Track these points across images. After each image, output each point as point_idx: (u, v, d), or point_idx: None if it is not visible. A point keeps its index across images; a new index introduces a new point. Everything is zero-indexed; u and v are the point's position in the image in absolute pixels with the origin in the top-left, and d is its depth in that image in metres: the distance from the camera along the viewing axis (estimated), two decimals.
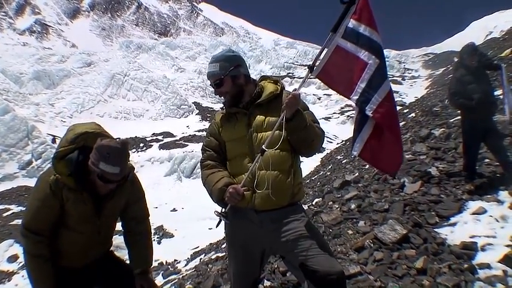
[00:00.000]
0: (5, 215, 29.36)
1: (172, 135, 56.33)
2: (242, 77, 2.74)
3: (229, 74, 2.68)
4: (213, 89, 2.77)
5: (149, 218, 3.11)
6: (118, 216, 2.98)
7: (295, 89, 2.55)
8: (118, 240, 3.57)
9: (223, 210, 2.61)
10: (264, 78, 2.88)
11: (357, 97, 2.69)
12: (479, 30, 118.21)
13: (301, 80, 2.88)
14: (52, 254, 2.64)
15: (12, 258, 21.87)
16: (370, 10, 2.69)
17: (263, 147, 2.52)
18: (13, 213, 29.68)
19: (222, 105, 2.90)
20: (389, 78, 2.75)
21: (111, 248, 3.15)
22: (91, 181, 2.58)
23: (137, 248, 3.00)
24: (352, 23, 2.69)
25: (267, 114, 2.64)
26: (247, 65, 2.85)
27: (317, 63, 2.73)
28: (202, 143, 2.94)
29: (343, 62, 2.71)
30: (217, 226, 2.70)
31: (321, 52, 2.73)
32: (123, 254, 3.27)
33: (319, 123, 2.75)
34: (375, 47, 2.68)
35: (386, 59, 2.79)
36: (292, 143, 2.61)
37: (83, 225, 2.69)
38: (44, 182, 2.56)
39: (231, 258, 2.90)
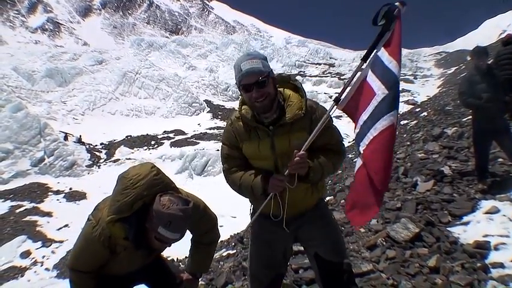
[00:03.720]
0: (17, 211, 29.64)
1: (183, 133, 56.28)
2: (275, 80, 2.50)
3: (271, 75, 2.41)
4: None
5: (217, 223, 2.91)
6: None
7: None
8: None
9: (242, 234, 2.66)
10: (282, 79, 2.60)
11: (358, 131, 2.41)
12: (492, 29, 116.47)
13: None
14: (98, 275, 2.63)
15: (25, 254, 22.12)
16: (400, 37, 2.34)
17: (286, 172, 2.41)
18: (26, 209, 29.95)
19: (238, 114, 2.58)
20: (399, 110, 2.33)
21: None
22: (147, 237, 2.39)
23: (198, 254, 2.97)
24: (381, 52, 2.38)
25: (290, 136, 2.44)
26: None
27: (343, 95, 2.50)
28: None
29: (361, 93, 2.45)
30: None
31: (349, 83, 2.49)
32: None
33: (342, 139, 2.60)
34: (388, 77, 2.32)
35: None
36: None
37: (133, 262, 2.69)
38: (95, 235, 2.41)
39: (254, 250, 2.93)
